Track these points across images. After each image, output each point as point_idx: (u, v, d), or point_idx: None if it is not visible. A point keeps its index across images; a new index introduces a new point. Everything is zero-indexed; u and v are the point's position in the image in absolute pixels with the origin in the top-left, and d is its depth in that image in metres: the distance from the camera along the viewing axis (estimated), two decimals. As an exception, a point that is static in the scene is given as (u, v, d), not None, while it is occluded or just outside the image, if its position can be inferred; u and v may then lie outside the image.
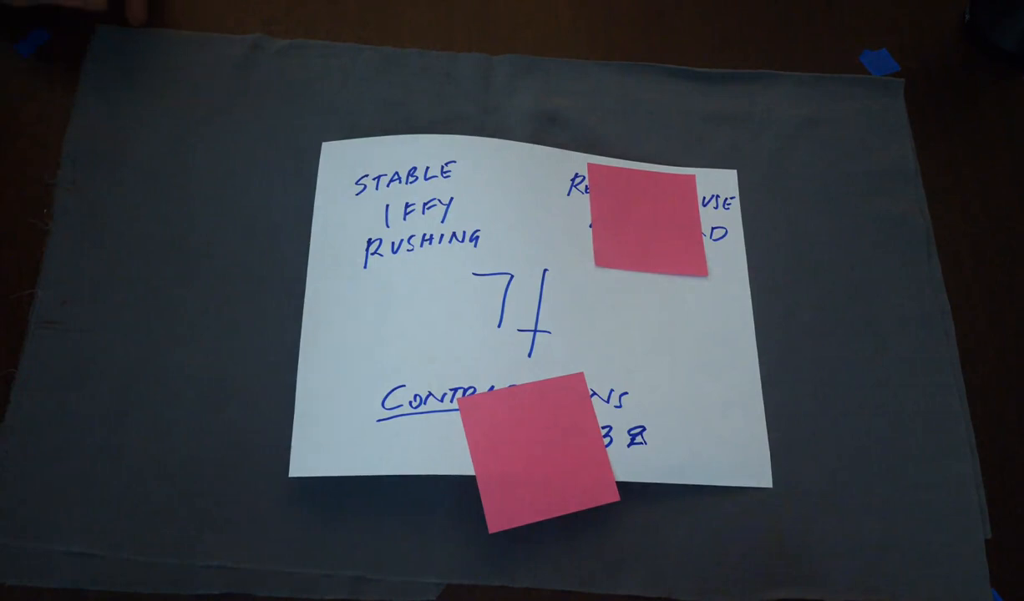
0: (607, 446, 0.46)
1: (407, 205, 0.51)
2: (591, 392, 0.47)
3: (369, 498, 0.45)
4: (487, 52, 0.58)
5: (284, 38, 0.57)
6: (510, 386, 0.46)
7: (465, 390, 0.46)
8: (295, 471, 0.44)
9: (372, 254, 0.50)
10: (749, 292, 0.52)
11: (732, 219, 0.54)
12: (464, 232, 0.50)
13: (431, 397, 0.45)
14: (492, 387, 0.46)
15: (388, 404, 0.45)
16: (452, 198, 0.51)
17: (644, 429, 0.47)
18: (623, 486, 0.45)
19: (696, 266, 0.52)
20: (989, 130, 0.59)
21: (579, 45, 0.60)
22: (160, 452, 0.45)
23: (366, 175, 0.52)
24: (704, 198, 0.54)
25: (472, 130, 0.54)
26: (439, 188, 0.51)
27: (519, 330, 0.48)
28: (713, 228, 0.54)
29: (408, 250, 0.49)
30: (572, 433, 0.46)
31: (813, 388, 0.49)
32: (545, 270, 0.49)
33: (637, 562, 0.45)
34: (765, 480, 0.47)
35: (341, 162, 0.53)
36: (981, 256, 0.55)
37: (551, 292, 0.49)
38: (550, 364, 0.47)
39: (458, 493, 0.45)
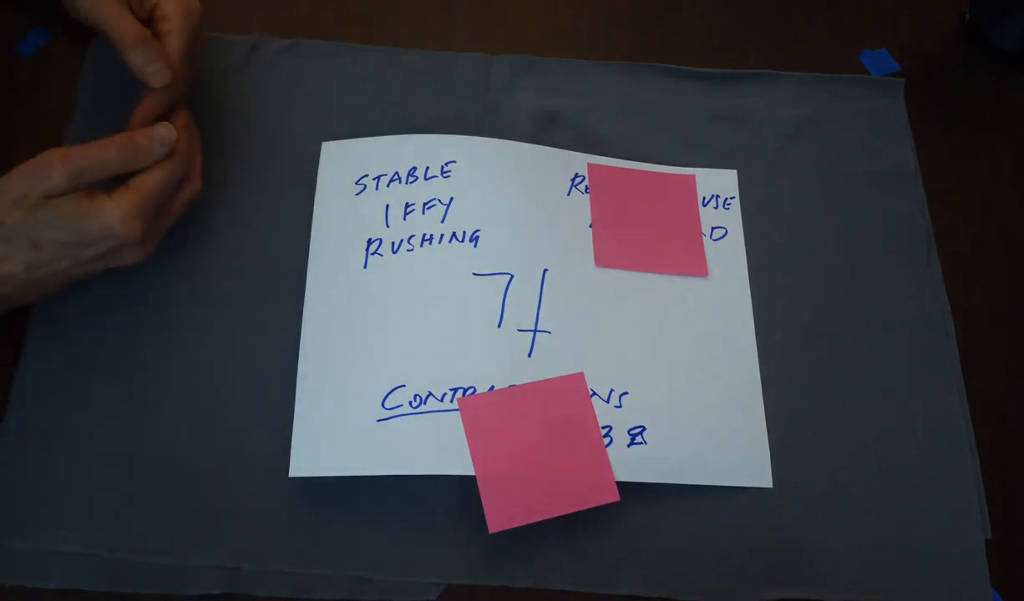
0: (607, 446, 0.46)
1: (407, 205, 0.51)
2: (591, 392, 0.47)
3: (369, 498, 0.45)
4: (487, 52, 0.58)
5: (284, 38, 0.57)
6: (510, 386, 0.46)
7: (465, 390, 0.46)
8: (295, 471, 0.44)
9: (372, 254, 0.50)
10: (749, 292, 0.52)
11: (732, 219, 0.54)
12: (464, 232, 0.50)
13: (431, 397, 0.45)
14: (492, 387, 0.46)
15: (388, 404, 0.45)
16: (452, 198, 0.51)
17: (644, 429, 0.47)
18: (623, 486, 0.45)
19: (696, 266, 0.52)
20: (989, 130, 0.59)
21: (579, 45, 0.60)
22: (160, 452, 0.45)
23: (366, 175, 0.52)
24: (704, 198, 0.54)
25: (472, 130, 0.54)
26: (439, 188, 0.51)
27: (519, 330, 0.48)
28: (713, 228, 0.54)
29: (408, 250, 0.49)
30: (572, 433, 0.46)
31: (813, 388, 0.49)
32: (545, 270, 0.49)
33: (637, 562, 0.45)
34: (765, 480, 0.47)
35: (341, 162, 0.52)
36: (981, 256, 0.55)
37: (551, 292, 0.49)
38: (550, 364, 0.47)
39: (458, 493, 0.45)
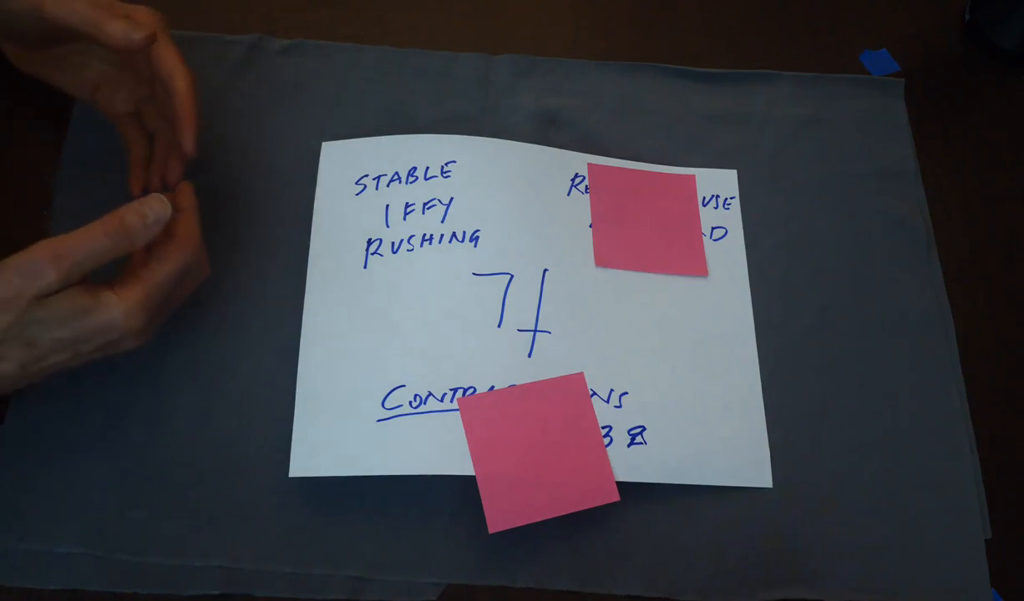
0: (607, 446, 0.46)
1: (407, 205, 0.51)
2: (591, 392, 0.47)
3: (369, 498, 0.45)
4: (487, 52, 0.58)
5: (284, 38, 0.57)
6: (510, 386, 0.46)
7: (465, 390, 0.46)
8: (295, 471, 0.44)
9: (372, 254, 0.50)
10: (749, 292, 0.52)
11: (732, 219, 0.54)
12: (464, 232, 0.50)
13: (431, 397, 0.45)
14: (492, 387, 0.46)
15: (388, 404, 0.45)
16: (452, 198, 0.51)
17: (644, 429, 0.47)
18: (623, 486, 0.45)
19: (696, 266, 0.52)
20: (989, 130, 0.59)
21: (579, 45, 0.60)
22: (159, 452, 0.45)
23: (366, 175, 0.52)
24: (704, 198, 0.54)
25: (472, 130, 0.54)
26: (439, 188, 0.51)
27: (519, 330, 0.48)
28: (713, 228, 0.54)
29: (408, 250, 0.49)
30: (572, 433, 0.46)
31: (813, 388, 0.49)
32: (545, 270, 0.49)
33: (637, 562, 0.45)
34: (765, 480, 0.47)
35: (341, 162, 0.53)
36: (981, 256, 0.55)
37: (551, 292, 0.49)
38: (550, 364, 0.47)
39: (458, 493, 0.45)
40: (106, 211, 0.51)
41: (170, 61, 0.45)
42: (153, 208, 0.41)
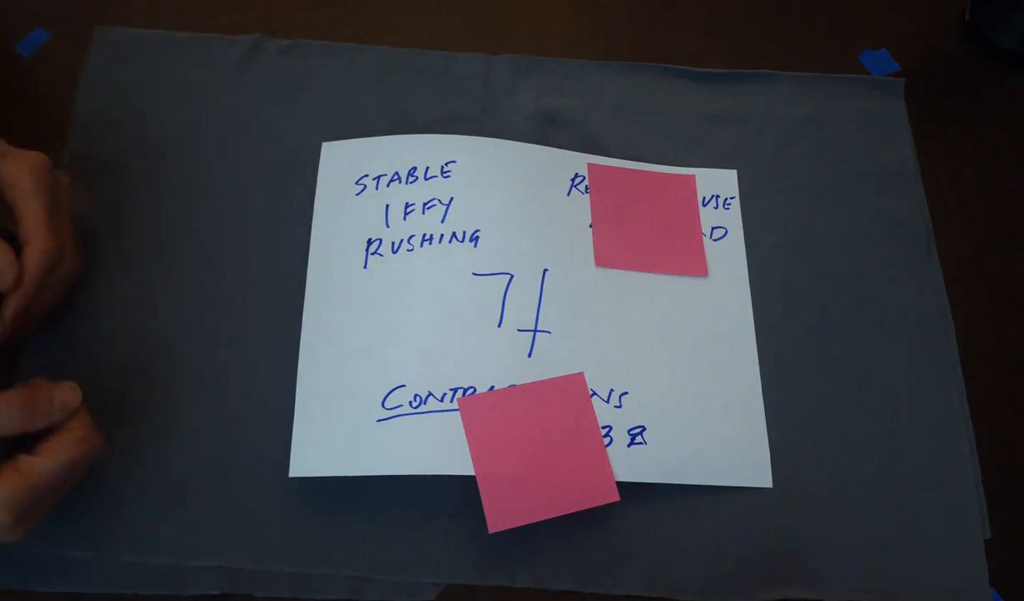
0: (607, 446, 0.46)
1: (407, 205, 0.51)
2: (591, 392, 0.47)
3: (369, 498, 0.45)
4: (487, 52, 0.58)
5: (284, 38, 0.57)
6: (510, 386, 0.46)
7: (465, 390, 0.46)
8: (295, 471, 0.44)
9: (372, 254, 0.50)
10: (749, 292, 0.52)
11: (732, 219, 0.54)
12: (464, 232, 0.50)
13: (431, 397, 0.45)
14: (492, 387, 0.46)
15: (388, 404, 0.45)
16: (452, 198, 0.51)
17: (644, 429, 0.47)
18: (623, 486, 0.45)
19: (696, 266, 0.52)
20: (989, 130, 0.59)
21: (579, 45, 0.60)
22: (159, 452, 0.45)
23: (366, 175, 0.52)
24: (704, 198, 0.54)
25: (472, 130, 0.54)
26: (439, 188, 0.51)
27: (519, 330, 0.48)
28: (713, 228, 0.54)
29: (408, 250, 0.49)
30: (572, 433, 0.46)
31: (813, 388, 0.49)
32: (545, 270, 0.49)
33: (637, 562, 0.45)
34: (765, 480, 0.47)
35: (341, 162, 0.53)
36: (981, 256, 0.55)
37: (551, 292, 0.49)
38: (550, 364, 0.47)
39: (458, 493, 0.45)
40: (106, 211, 0.51)
41: (33, 222, 0.39)
42: (62, 394, 0.38)
